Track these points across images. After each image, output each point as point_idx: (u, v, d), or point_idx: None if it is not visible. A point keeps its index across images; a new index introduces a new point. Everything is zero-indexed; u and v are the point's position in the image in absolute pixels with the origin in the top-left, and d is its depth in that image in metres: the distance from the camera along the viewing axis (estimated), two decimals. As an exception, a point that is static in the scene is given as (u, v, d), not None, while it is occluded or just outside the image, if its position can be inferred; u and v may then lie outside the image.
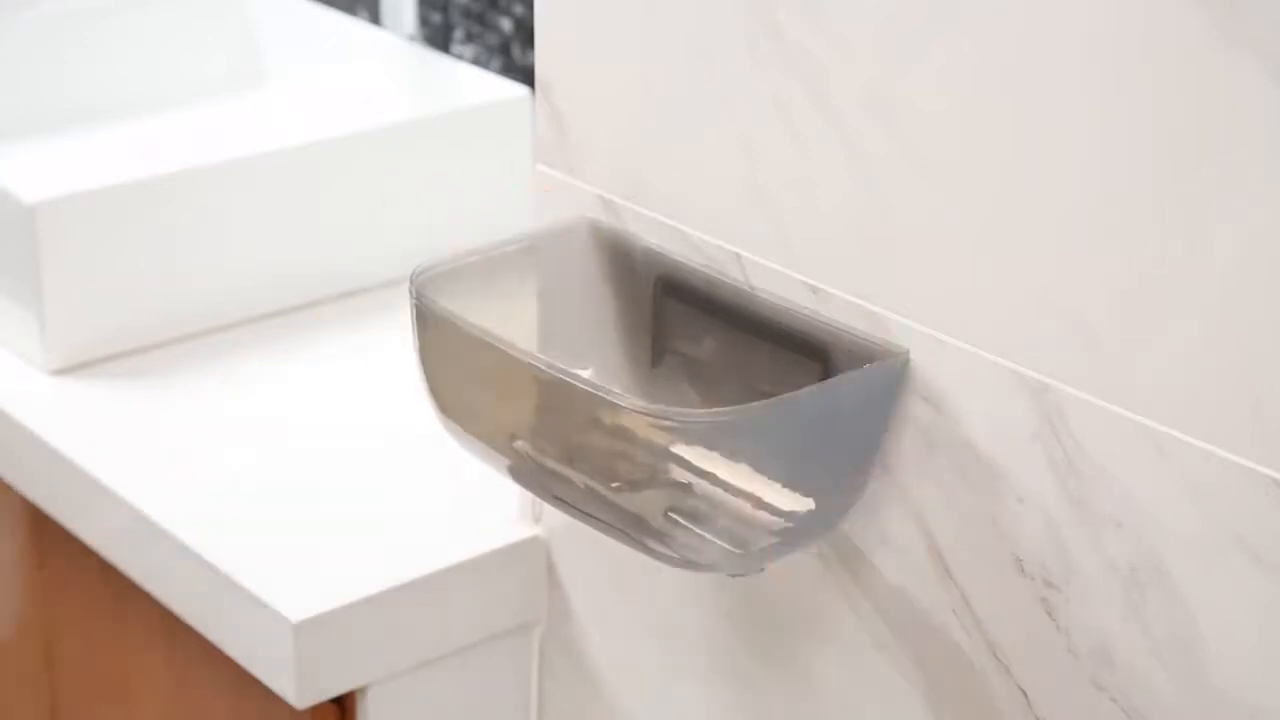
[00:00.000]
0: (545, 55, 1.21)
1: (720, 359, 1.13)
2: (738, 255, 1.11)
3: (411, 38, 1.75)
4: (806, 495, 1.05)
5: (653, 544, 1.03)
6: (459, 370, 1.09)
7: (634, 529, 1.03)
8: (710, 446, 1.00)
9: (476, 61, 1.71)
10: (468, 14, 1.72)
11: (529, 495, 1.27)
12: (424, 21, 1.75)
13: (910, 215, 1.03)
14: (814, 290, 1.08)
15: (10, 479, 1.44)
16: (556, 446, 1.04)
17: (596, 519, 1.06)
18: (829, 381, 1.04)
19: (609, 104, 1.18)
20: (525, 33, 1.65)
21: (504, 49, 1.69)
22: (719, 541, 1.04)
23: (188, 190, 1.50)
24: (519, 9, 1.66)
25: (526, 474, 1.11)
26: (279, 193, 1.53)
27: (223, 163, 1.51)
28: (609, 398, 0.99)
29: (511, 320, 1.10)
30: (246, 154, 1.52)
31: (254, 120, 1.76)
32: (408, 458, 1.36)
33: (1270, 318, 0.89)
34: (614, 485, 1.03)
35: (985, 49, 0.97)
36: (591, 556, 1.28)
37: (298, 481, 1.35)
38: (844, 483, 1.07)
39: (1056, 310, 0.97)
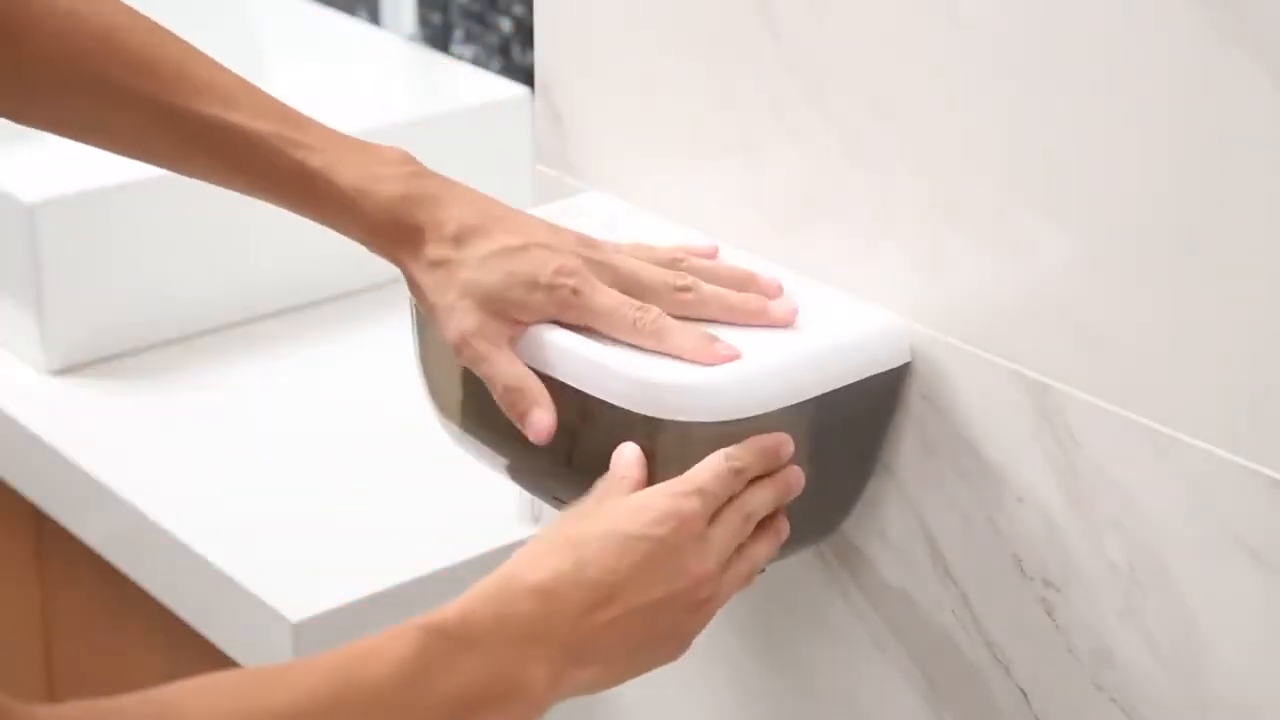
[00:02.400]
0: (545, 55, 1.21)
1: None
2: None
3: (411, 38, 1.75)
4: (807, 495, 1.05)
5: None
6: (458, 371, 1.09)
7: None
8: (712, 448, 1.00)
9: (476, 61, 1.71)
10: (468, 14, 1.72)
11: (528, 495, 1.27)
12: (424, 21, 1.75)
13: (910, 215, 1.03)
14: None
15: (10, 479, 1.44)
16: (556, 447, 1.04)
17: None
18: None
19: (609, 104, 1.18)
20: (525, 33, 1.65)
21: (504, 49, 1.69)
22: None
23: (188, 191, 1.49)
24: (519, 9, 1.66)
25: (526, 474, 1.11)
26: (279, 193, 1.53)
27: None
28: (607, 399, 0.99)
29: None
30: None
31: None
32: (407, 458, 1.36)
33: (1270, 318, 0.89)
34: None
35: (984, 50, 0.97)
36: (591, 556, 1.27)
37: (297, 481, 1.35)
38: (844, 482, 1.07)
39: (1056, 310, 0.97)
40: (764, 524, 0.99)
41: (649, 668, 0.94)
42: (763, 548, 0.98)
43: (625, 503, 0.94)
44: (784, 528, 1.00)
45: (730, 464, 0.96)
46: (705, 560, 0.94)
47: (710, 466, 0.96)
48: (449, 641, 0.87)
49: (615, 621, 0.91)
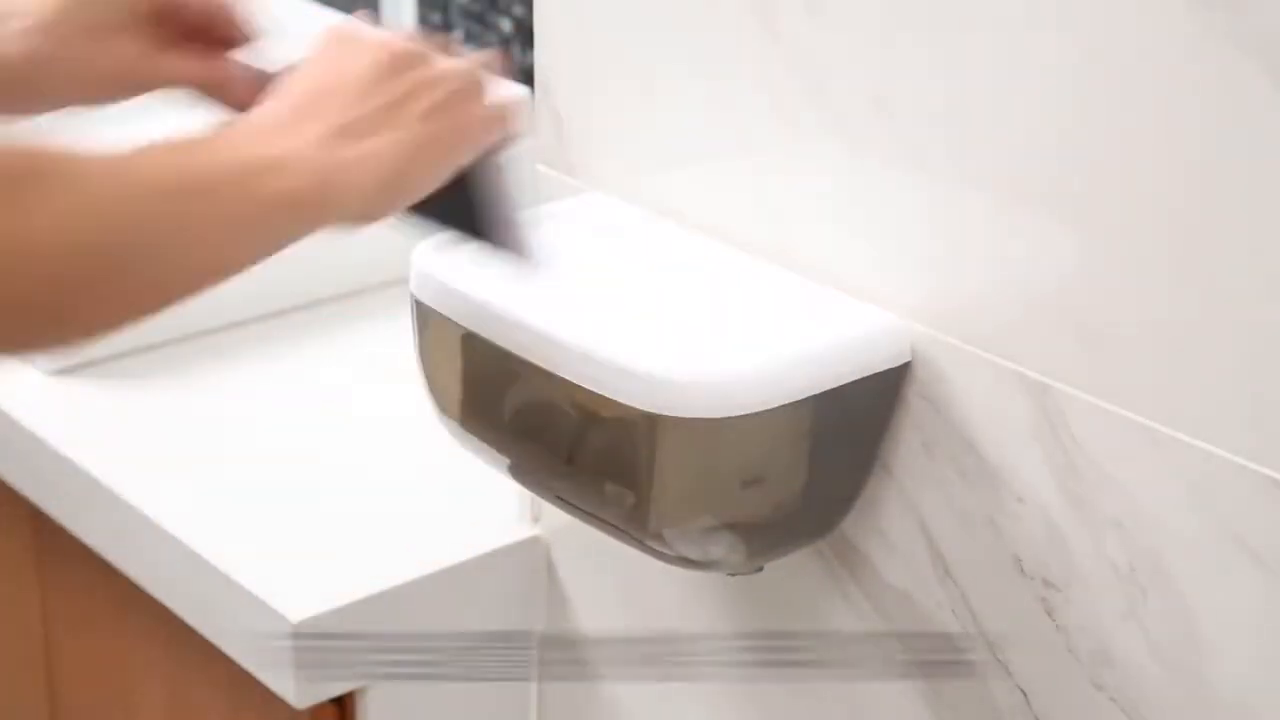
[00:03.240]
0: (545, 55, 1.21)
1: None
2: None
3: (411, 38, 1.75)
4: (806, 494, 1.05)
5: (652, 543, 1.03)
6: (460, 369, 1.09)
7: (633, 528, 1.03)
8: (712, 445, 1.00)
9: (476, 62, 1.71)
10: (468, 14, 1.72)
11: (529, 495, 1.27)
12: (424, 21, 1.75)
13: (910, 215, 1.03)
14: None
15: (10, 479, 1.44)
16: (557, 444, 1.04)
17: (597, 518, 1.06)
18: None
19: (609, 104, 1.18)
20: (525, 33, 1.65)
21: (504, 49, 1.69)
22: (718, 540, 1.04)
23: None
24: (519, 9, 1.66)
25: (527, 473, 1.11)
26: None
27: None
28: (609, 395, 0.99)
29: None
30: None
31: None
32: (407, 458, 1.36)
33: (1270, 318, 0.89)
34: (614, 483, 1.03)
35: (984, 50, 0.97)
36: (591, 556, 1.27)
37: (298, 481, 1.35)
38: (843, 482, 1.07)
39: (1056, 310, 0.97)
40: None
41: (439, 139, 0.94)
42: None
43: None
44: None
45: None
46: (390, 37, 0.96)
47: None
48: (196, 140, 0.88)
49: (341, 106, 0.92)
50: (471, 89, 0.97)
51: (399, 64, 0.95)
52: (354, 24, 0.98)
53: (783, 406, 1.00)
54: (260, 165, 0.88)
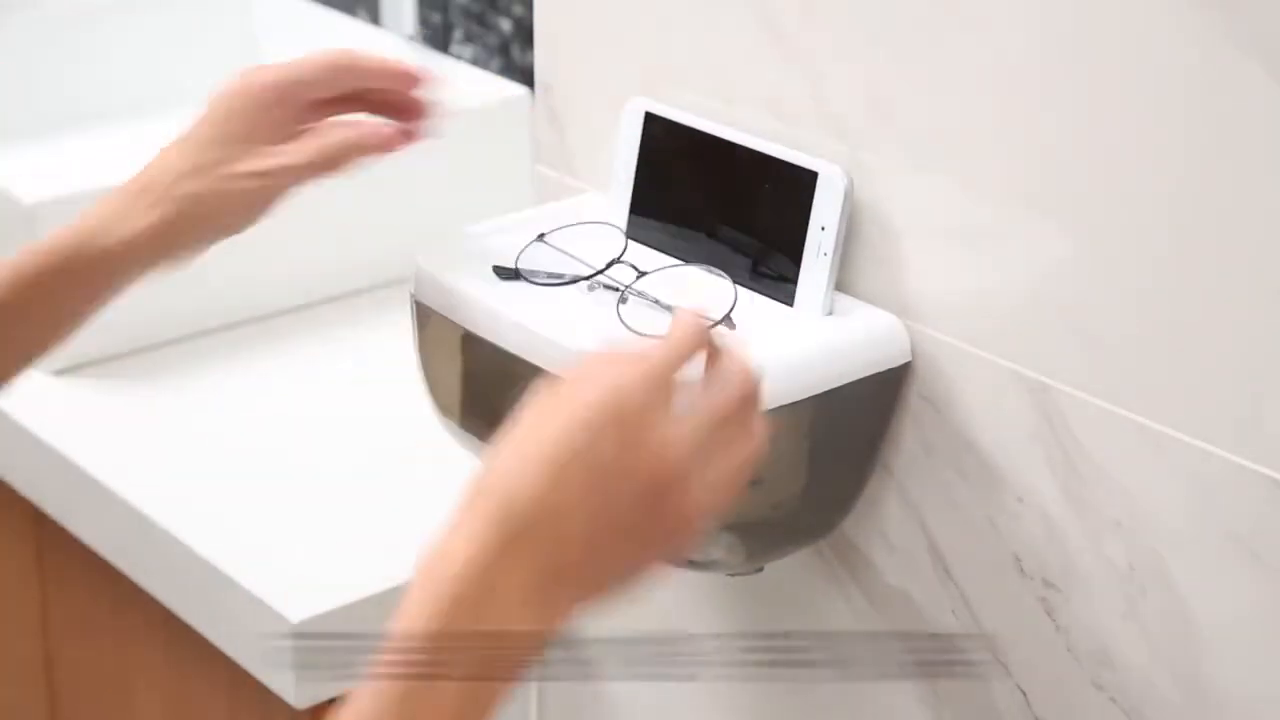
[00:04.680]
0: (545, 55, 1.21)
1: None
2: (738, 255, 1.11)
3: (411, 38, 1.75)
4: (806, 494, 1.05)
5: (652, 544, 1.03)
6: (459, 368, 1.09)
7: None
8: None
9: (476, 62, 1.71)
10: (467, 14, 1.72)
11: (529, 495, 1.27)
12: (424, 22, 1.75)
13: (909, 215, 1.03)
14: (814, 290, 1.08)
15: (11, 479, 1.44)
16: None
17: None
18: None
19: (609, 104, 1.18)
20: (525, 33, 1.65)
21: (503, 49, 1.69)
22: (718, 540, 1.04)
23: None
24: (519, 9, 1.66)
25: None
26: (279, 193, 1.53)
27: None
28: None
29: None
30: (246, 154, 1.51)
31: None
32: (407, 457, 1.36)
33: (1270, 318, 0.89)
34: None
35: (984, 49, 0.97)
36: (591, 556, 1.27)
37: (298, 481, 1.35)
38: (843, 482, 1.07)
39: (1056, 310, 0.97)
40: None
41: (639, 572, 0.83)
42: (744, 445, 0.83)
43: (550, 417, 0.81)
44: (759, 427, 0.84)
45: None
46: (663, 449, 0.79)
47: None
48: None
49: (575, 564, 0.79)
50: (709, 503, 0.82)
51: (663, 488, 0.78)
52: (624, 397, 0.78)
53: (782, 406, 1.00)
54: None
